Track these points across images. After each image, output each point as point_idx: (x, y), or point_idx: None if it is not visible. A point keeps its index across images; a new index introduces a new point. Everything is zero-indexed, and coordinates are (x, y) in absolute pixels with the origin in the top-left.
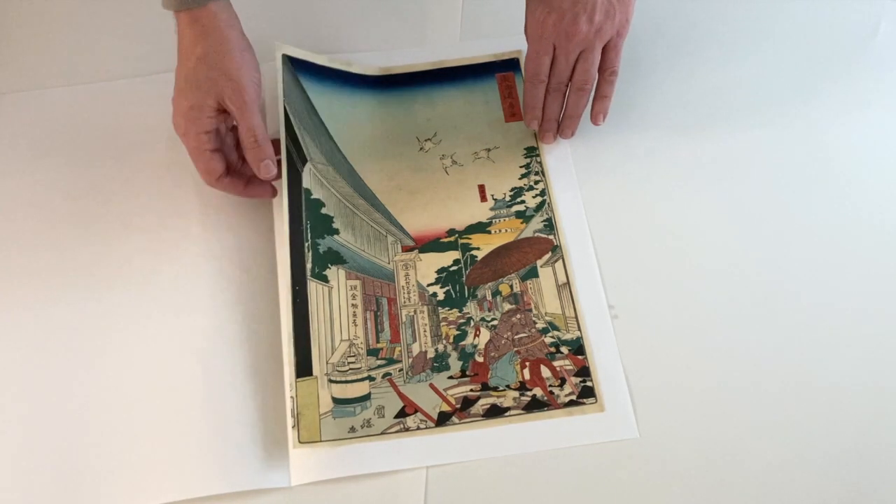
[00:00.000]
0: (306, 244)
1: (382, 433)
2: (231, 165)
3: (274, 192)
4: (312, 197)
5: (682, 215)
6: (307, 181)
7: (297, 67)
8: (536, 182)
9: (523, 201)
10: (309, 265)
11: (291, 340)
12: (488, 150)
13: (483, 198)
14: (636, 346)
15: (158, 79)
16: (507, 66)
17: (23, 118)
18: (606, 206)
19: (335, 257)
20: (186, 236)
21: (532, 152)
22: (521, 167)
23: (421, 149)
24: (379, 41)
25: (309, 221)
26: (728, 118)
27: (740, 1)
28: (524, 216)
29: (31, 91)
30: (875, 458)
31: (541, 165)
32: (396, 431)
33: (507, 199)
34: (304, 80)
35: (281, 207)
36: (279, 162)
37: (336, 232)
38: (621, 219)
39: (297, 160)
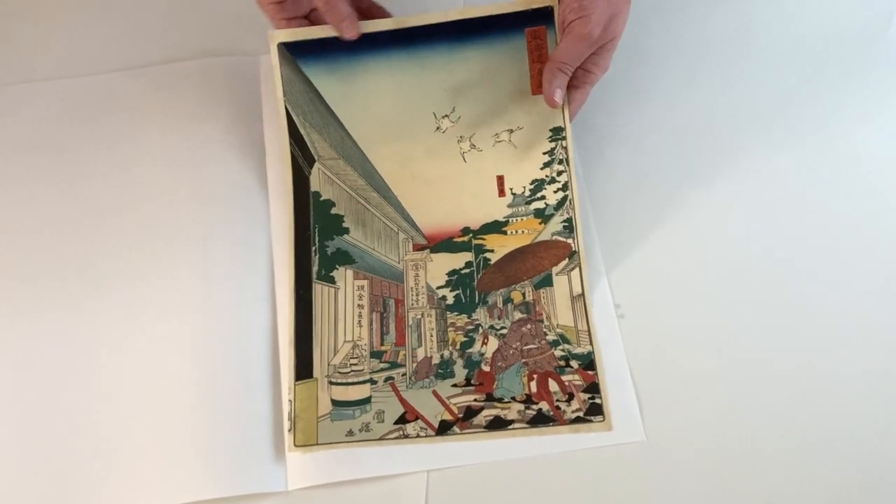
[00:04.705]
0: (313, 248)
1: (381, 438)
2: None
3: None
4: (322, 199)
5: (690, 215)
6: (315, 184)
7: (297, 53)
8: (559, 173)
9: (543, 197)
10: (315, 268)
11: (292, 343)
12: (511, 130)
13: (501, 192)
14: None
15: (152, 71)
16: (540, 17)
17: (13, 112)
18: (612, 202)
19: (344, 258)
20: (181, 233)
21: (558, 134)
22: (544, 153)
23: (437, 128)
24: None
25: (317, 225)
26: (739, 115)
27: None
28: (543, 215)
29: (22, 84)
30: (889, 462)
31: (566, 152)
32: (395, 438)
33: (527, 193)
34: (305, 65)
35: (285, 210)
36: (292, 157)
37: (346, 231)
38: (627, 218)
39: (303, 164)
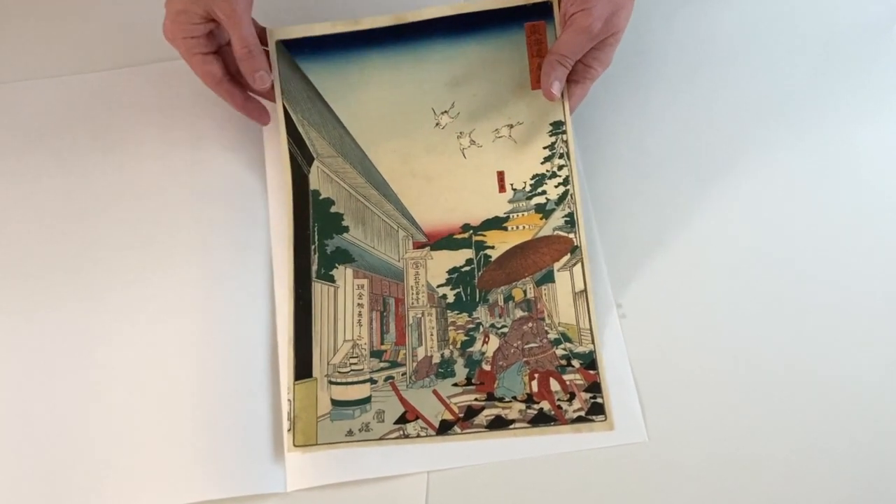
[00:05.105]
0: (312, 247)
1: (381, 438)
2: (234, 73)
3: (267, 119)
4: (321, 198)
5: (691, 214)
6: (314, 182)
7: (295, 51)
8: (560, 167)
9: (544, 192)
10: (314, 267)
11: (291, 342)
12: (510, 126)
13: (502, 188)
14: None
15: (149, 69)
16: (539, 11)
17: (13, 110)
18: (612, 201)
19: (343, 256)
20: (181, 232)
21: (559, 128)
22: (544, 148)
23: (437, 124)
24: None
25: (317, 224)
26: (740, 113)
27: None
28: (544, 210)
29: (22, 82)
30: (889, 463)
31: (566, 146)
32: (395, 438)
33: (528, 188)
34: (304, 62)
35: (283, 209)
36: (291, 155)
37: (346, 230)
38: (628, 217)
39: (302, 162)
